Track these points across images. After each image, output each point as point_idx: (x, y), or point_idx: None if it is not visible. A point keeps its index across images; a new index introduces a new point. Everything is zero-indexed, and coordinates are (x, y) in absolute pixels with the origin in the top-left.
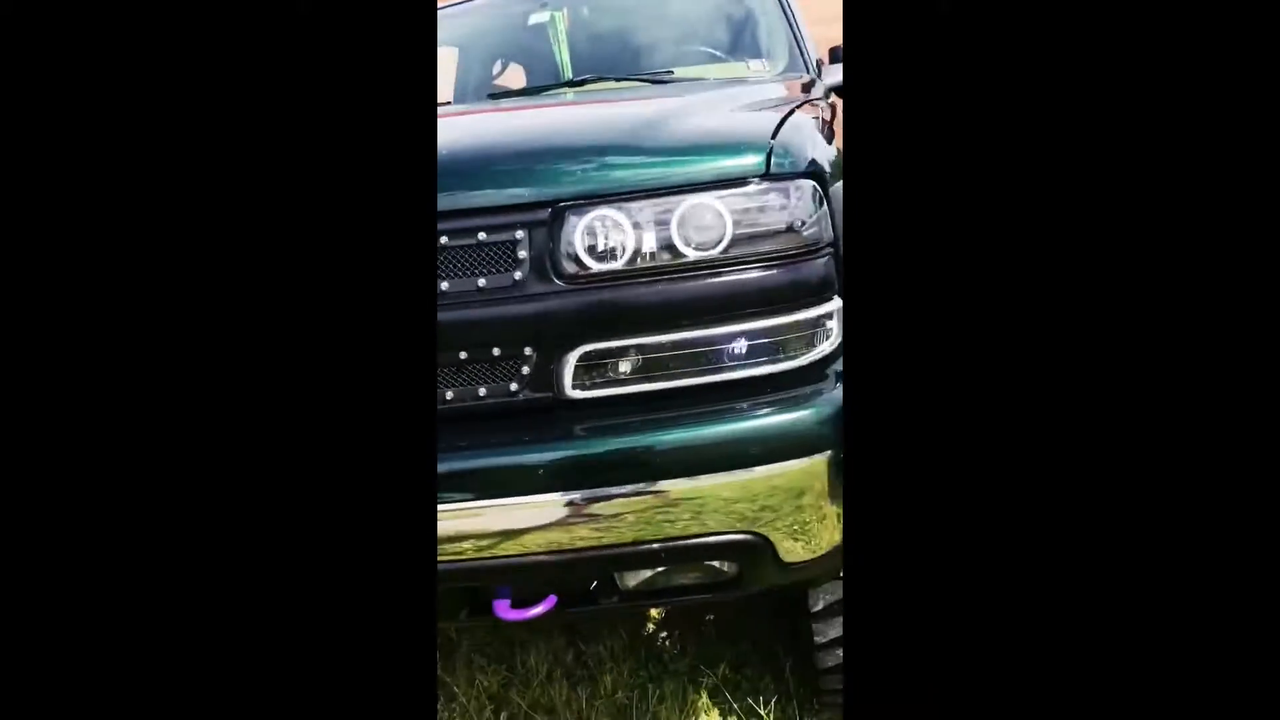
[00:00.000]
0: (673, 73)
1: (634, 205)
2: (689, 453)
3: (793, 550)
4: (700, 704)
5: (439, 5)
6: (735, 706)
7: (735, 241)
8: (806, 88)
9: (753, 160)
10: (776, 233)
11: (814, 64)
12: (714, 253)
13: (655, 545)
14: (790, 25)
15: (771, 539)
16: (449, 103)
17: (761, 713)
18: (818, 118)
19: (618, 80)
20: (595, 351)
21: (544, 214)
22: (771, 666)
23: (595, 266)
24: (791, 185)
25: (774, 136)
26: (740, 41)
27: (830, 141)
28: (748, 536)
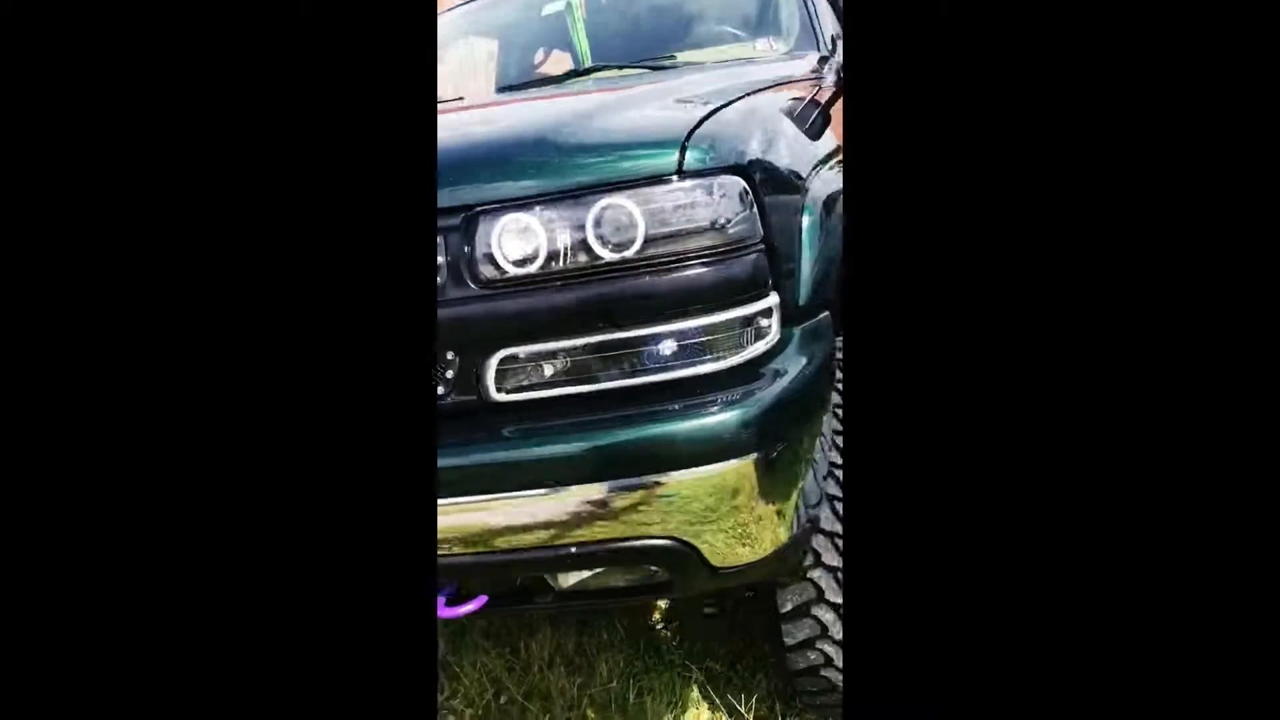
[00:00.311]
0: (675, 58)
1: (547, 208)
2: (608, 456)
3: (725, 554)
4: (689, 698)
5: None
6: (718, 702)
7: (650, 241)
8: (818, 66)
9: (664, 158)
10: (697, 231)
11: (829, 40)
12: (629, 254)
13: (572, 549)
14: (804, 1)
15: (695, 544)
16: (462, 98)
17: (742, 710)
18: (802, 98)
19: (619, 68)
20: (514, 356)
21: (458, 219)
22: (766, 663)
23: (512, 271)
24: (714, 182)
25: (694, 131)
26: (762, 19)
27: (821, 124)
28: (667, 542)
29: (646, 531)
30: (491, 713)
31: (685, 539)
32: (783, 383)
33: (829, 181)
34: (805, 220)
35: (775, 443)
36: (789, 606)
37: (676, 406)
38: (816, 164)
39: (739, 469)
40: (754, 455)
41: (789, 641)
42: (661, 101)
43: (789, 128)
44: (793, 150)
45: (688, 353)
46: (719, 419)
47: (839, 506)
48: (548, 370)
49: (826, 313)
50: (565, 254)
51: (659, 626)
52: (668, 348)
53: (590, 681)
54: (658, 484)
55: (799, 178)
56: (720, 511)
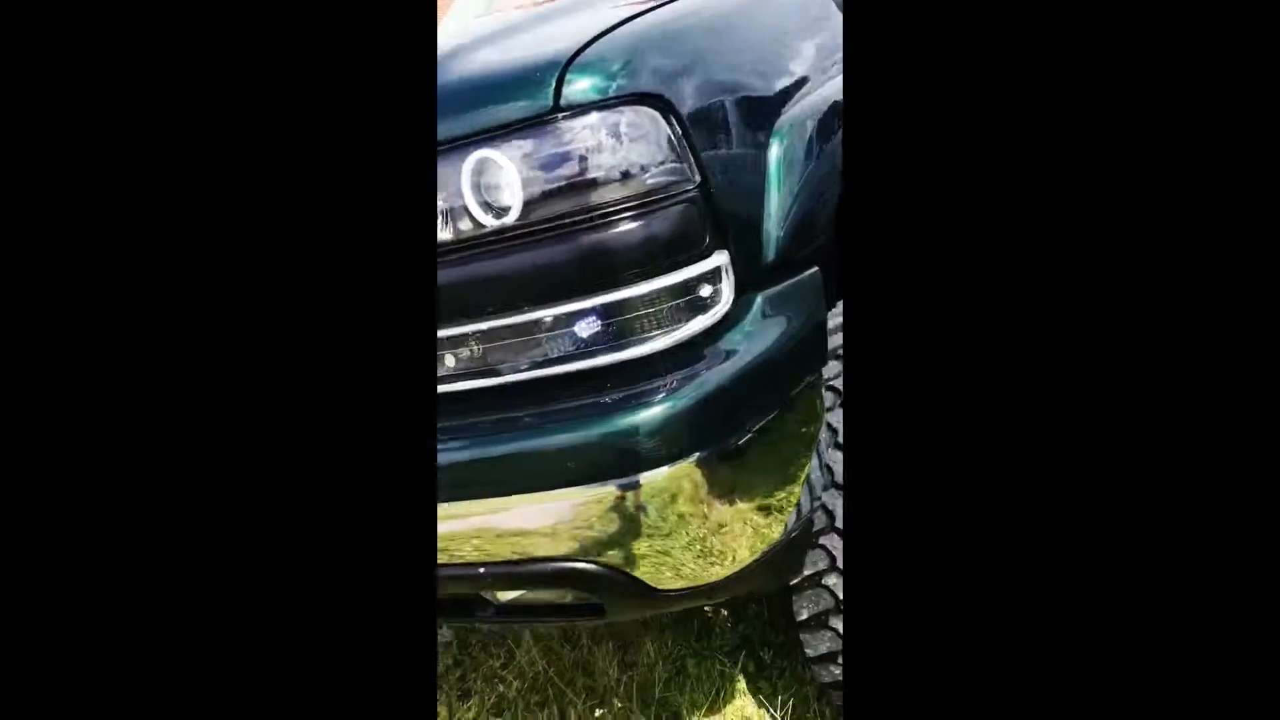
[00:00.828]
0: None
1: None
2: (512, 467)
3: (677, 573)
4: (733, 688)
5: None
6: (758, 696)
7: (536, 202)
8: None
9: (537, 95)
10: (597, 183)
11: None
12: (511, 219)
13: (481, 569)
14: None
15: (621, 566)
16: None
17: (775, 712)
18: None
19: None
20: None
21: None
22: None
23: None
24: (617, 117)
25: (578, 54)
26: None
27: None
28: (584, 565)
29: (559, 552)
30: (539, 684)
31: (607, 561)
32: (734, 364)
33: (816, 105)
34: (775, 150)
35: (729, 435)
36: (805, 615)
37: (607, 400)
38: (811, 72)
39: (674, 474)
40: (694, 456)
41: (810, 653)
42: (587, 15)
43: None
44: (770, 54)
45: (603, 337)
46: (636, 418)
47: None
48: (450, 361)
49: (815, 269)
50: (444, 222)
51: (709, 609)
52: (585, 329)
53: (636, 661)
54: (571, 498)
55: (773, 93)
56: (666, 525)
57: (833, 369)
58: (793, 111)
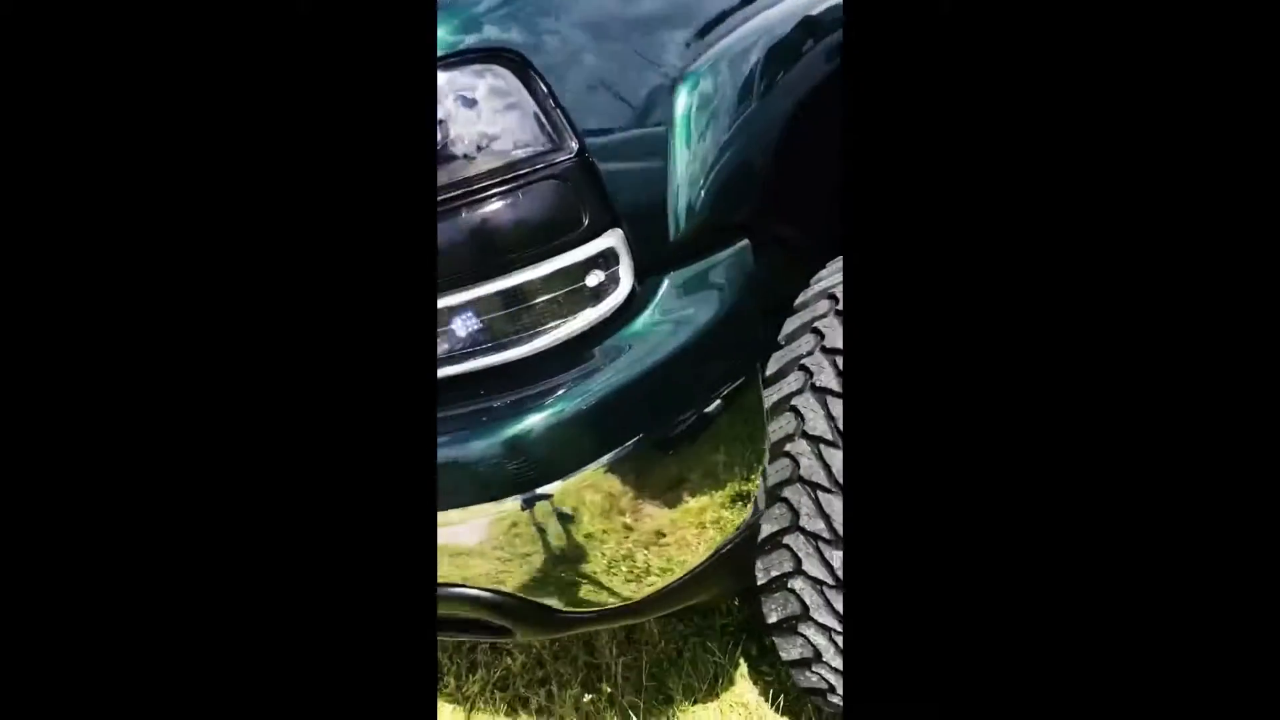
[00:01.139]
0: None
1: None
2: None
3: (598, 591)
4: (734, 673)
5: None
6: (749, 683)
7: None
8: None
9: None
10: (448, 158)
11: None
12: None
13: None
14: None
15: (516, 591)
16: None
17: (768, 705)
18: None
19: None
20: None
21: None
22: None
23: None
24: (469, 80)
25: None
26: None
27: None
28: (465, 589)
29: (448, 577)
30: (544, 659)
31: (498, 587)
32: (639, 359)
33: (770, 23)
34: (683, 99)
35: (644, 437)
36: (774, 619)
37: (494, 405)
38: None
39: (567, 489)
40: (600, 463)
41: (785, 657)
42: None
43: None
44: None
45: (483, 335)
46: (520, 426)
47: (824, 498)
48: None
49: (744, 241)
50: None
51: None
52: (463, 328)
53: (639, 639)
54: (456, 519)
55: (682, 28)
56: (570, 544)
57: (804, 345)
58: (721, 45)
